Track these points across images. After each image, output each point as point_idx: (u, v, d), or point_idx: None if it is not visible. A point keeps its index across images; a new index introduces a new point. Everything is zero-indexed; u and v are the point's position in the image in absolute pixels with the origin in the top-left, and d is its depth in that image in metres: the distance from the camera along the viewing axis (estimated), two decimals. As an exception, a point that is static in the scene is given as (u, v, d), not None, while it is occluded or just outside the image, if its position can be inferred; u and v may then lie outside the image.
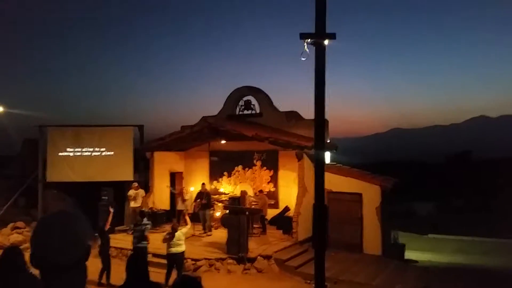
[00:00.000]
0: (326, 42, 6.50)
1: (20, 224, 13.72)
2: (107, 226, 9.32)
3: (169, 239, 8.58)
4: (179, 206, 13.27)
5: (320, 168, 6.59)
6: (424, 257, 15.01)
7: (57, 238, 1.46)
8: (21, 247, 12.27)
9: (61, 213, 1.58)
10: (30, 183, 15.11)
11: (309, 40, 6.49)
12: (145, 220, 9.16)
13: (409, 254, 13.82)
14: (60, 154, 14.88)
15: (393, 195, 12.53)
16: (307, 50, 6.50)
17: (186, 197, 13.41)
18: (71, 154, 14.97)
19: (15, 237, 12.95)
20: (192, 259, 10.12)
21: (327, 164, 12.43)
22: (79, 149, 15.02)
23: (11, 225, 13.52)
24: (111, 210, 9.88)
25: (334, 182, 11.74)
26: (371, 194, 11.89)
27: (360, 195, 12.04)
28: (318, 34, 6.44)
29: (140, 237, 8.94)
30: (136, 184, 13.54)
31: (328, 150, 12.84)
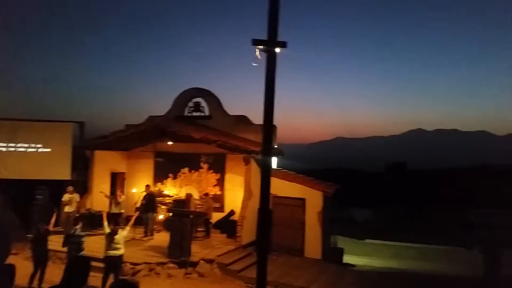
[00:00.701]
0: (277, 49, 6.62)
1: None
2: (51, 227, 8.80)
3: (107, 240, 8.25)
4: (113, 209, 12.74)
5: (266, 172, 6.67)
6: (362, 262, 15.67)
7: None
8: None
9: None
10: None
11: (261, 46, 6.58)
12: (78, 231, 8.59)
13: (347, 258, 14.35)
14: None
15: (334, 201, 12.97)
16: (259, 56, 6.59)
17: (120, 199, 12.91)
18: (4, 149, 13.92)
19: None
20: (131, 263, 9.80)
21: (273, 169, 12.63)
22: (13, 144, 14.01)
23: None
24: (55, 210, 9.38)
25: (279, 187, 11.94)
26: (313, 199, 12.24)
27: (303, 200, 12.35)
28: (270, 41, 6.55)
29: (73, 249, 8.41)
30: (71, 188, 12.83)
31: (275, 156, 13.05)
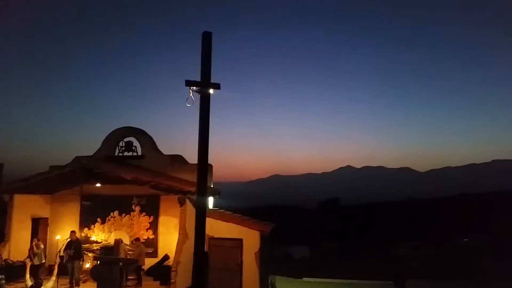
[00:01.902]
0: (211, 91, 6.71)
1: None
2: None
3: None
4: (33, 260, 11.57)
5: (202, 213, 6.54)
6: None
7: None
8: None
9: None
10: None
11: (194, 87, 6.63)
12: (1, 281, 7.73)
13: (285, 299, 14.24)
14: None
15: (272, 239, 12.97)
16: (193, 96, 6.62)
17: (37, 250, 11.77)
18: None
19: None
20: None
21: (209, 209, 12.40)
22: None
23: None
24: None
25: (216, 228, 11.71)
26: (251, 239, 12.13)
27: (240, 240, 12.18)
28: (203, 83, 6.64)
29: None
30: None
31: (210, 195, 12.85)
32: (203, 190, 6.67)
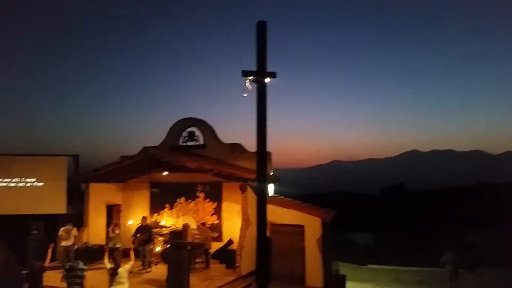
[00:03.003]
0: (267, 80, 6.75)
1: None
2: (47, 263, 8.65)
3: (110, 276, 8.09)
4: (110, 244, 12.57)
5: (262, 200, 6.65)
6: (364, 288, 15.39)
7: None
8: None
9: None
10: None
11: (250, 77, 6.71)
12: (80, 265, 8.47)
13: (350, 285, 14.09)
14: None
15: (333, 226, 12.85)
16: (250, 86, 6.71)
17: (112, 234, 12.70)
18: (-3, 185, 13.78)
19: None
20: (130, 298, 9.55)
21: (270, 196, 12.56)
22: (7, 180, 13.89)
23: None
24: (51, 246, 9.26)
25: (277, 214, 11.84)
26: (312, 225, 12.10)
27: (302, 227, 12.20)
28: (259, 72, 6.68)
29: (74, 283, 8.26)
30: (70, 226, 12.67)
31: (271, 182, 13.00)
32: (263, 177, 6.77)
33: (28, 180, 14.00)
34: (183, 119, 15.27)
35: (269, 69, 6.79)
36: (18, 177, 13.95)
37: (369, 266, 22.52)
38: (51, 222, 13.26)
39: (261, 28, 6.72)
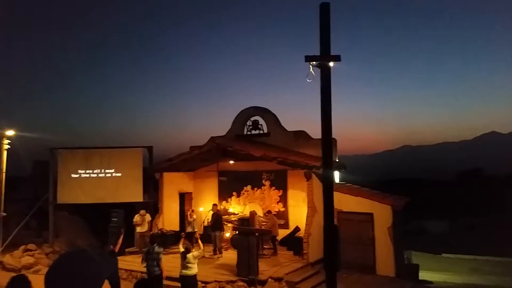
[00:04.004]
0: (331, 64, 6.59)
1: (31, 246, 13.78)
2: (117, 248, 9.31)
3: (181, 259, 8.56)
4: (187, 228, 13.35)
5: (328, 188, 6.57)
6: (439, 278, 14.68)
7: (69, 280, 1.48)
8: (32, 269, 12.36)
9: (75, 254, 1.61)
10: (41, 205, 15.22)
11: (314, 62, 6.59)
12: (156, 248, 9.04)
13: (423, 275, 13.52)
14: (71, 176, 15.02)
15: (405, 214, 12.37)
16: (313, 72, 6.61)
17: (190, 219, 13.42)
18: (81, 175, 15.10)
19: (26, 260, 12.99)
20: (202, 282, 10.01)
21: (336, 183, 12.38)
22: (89, 171, 15.15)
23: (22, 247, 13.58)
24: (122, 232, 9.95)
25: (344, 202, 11.65)
26: (382, 214, 11.75)
27: (371, 215, 11.89)
28: (323, 56, 6.54)
29: (152, 265, 8.85)
30: (143, 211, 13.55)
31: (336, 170, 12.80)
32: (328, 164, 6.67)
33: (108, 171, 15.17)
34: (247, 108, 15.51)
35: (333, 53, 6.64)
36: (99, 168, 15.16)
37: (444, 255, 21.43)
38: (130, 210, 14.32)
39: (324, 10, 6.56)
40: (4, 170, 13.28)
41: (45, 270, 12.31)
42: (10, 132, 13.27)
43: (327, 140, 6.52)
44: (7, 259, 12.87)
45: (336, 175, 12.99)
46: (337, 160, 13.66)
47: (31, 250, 13.61)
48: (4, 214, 13.15)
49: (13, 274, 10.51)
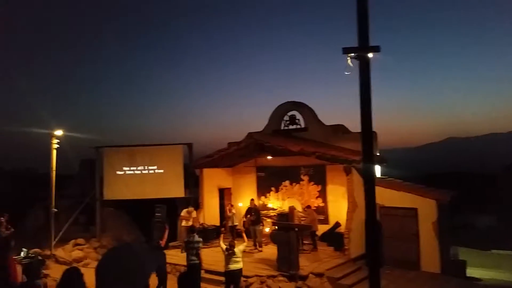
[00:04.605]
0: (370, 55, 6.42)
1: (80, 241, 14.48)
2: (163, 243, 9.60)
3: (227, 255, 8.67)
4: (227, 223, 13.58)
5: (370, 182, 6.42)
6: (488, 275, 14.01)
7: (119, 273, 1.53)
8: (82, 262, 12.96)
9: (125, 248, 1.66)
10: (89, 201, 15.94)
11: (352, 54, 6.45)
12: (195, 237, 9.30)
13: (471, 272, 12.96)
14: (116, 173, 15.62)
15: (451, 208, 11.89)
16: (351, 64, 6.46)
17: (229, 214, 13.64)
18: (126, 172, 15.66)
19: (76, 253, 13.68)
20: (244, 276, 10.10)
21: (378, 178, 12.09)
22: (133, 168, 15.67)
23: (72, 241, 14.30)
24: (167, 227, 10.25)
25: (386, 197, 11.36)
26: (426, 208, 11.35)
27: (415, 210, 11.52)
28: (361, 47, 6.37)
29: (192, 254, 9.10)
30: (191, 208, 13.88)
31: (377, 164, 12.49)
32: (369, 158, 6.52)
33: (150, 167, 15.64)
34: (284, 103, 15.43)
35: (372, 44, 6.46)
36: (142, 165, 15.66)
37: (493, 251, 20.42)
38: (172, 205, 14.71)
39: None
40: (54, 168, 13.99)
41: (93, 263, 13.02)
42: (59, 132, 13.93)
43: (368, 134, 6.37)
44: (59, 252, 13.60)
45: (377, 170, 12.68)
46: (378, 154, 13.33)
47: (80, 245, 14.31)
48: (56, 210, 13.88)
49: (65, 267, 11.09)
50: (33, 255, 10.73)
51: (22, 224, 14.82)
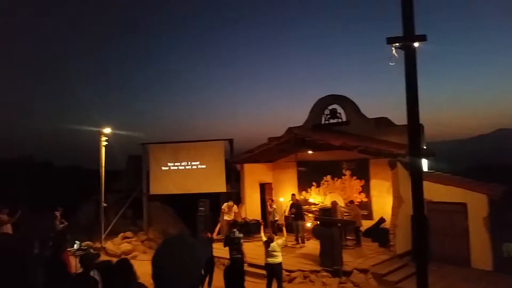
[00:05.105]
0: (416, 44, 6.20)
1: (128, 234, 15.09)
2: (214, 235, 9.84)
3: (265, 248, 8.74)
4: (268, 218, 13.66)
5: (417, 177, 6.23)
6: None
7: (175, 264, 1.58)
8: (130, 255, 13.50)
9: (179, 239, 1.71)
10: (136, 196, 16.56)
11: (397, 44, 6.25)
12: (236, 233, 9.37)
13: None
14: (161, 168, 16.11)
15: (503, 203, 11.27)
16: (396, 54, 6.27)
17: (270, 209, 13.68)
18: (170, 168, 16.11)
19: (125, 246, 14.27)
20: (286, 270, 10.12)
21: (425, 172, 11.67)
22: (177, 164, 16.10)
23: (121, 235, 14.93)
24: (219, 220, 10.50)
25: (434, 192, 10.94)
26: (477, 203, 10.84)
27: (464, 205, 11.03)
28: (407, 37, 6.17)
29: (233, 249, 9.21)
30: (231, 203, 14.09)
31: (424, 157, 12.06)
32: (416, 152, 6.32)
33: (193, 163, 16.00)
34: (325, 97, 15.21)
35: (417, 33, 6.23)
36: (185, 161, 16.04)
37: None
38: (214, 200, 14.99)
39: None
40: (103, 164, 14.64)
41: (141, 256, 13.52)
42: (107, 130, 14.55)
43: (414, 126, 6.18)
44: (109, 245, 14.24)
45: (424, 163, 12.25)
46: (425, 147, 12.86)
47: (128, 238, 14.91)
48: (105, 204, 14.53)
49: (114, 259, 11.59)
50: (85, 247, 11.35)
51: (74, 218, 15.67)
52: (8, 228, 9.98)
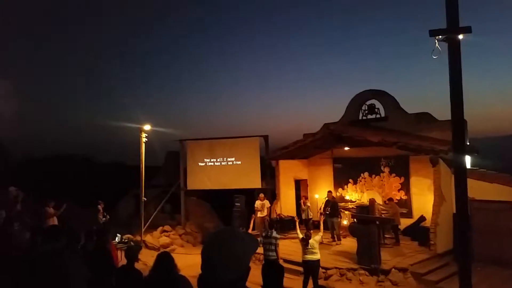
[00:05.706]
0: (460, 36, 5.97)
1: (167, 227, 15.52)
2: (249, 231, 9.94)
3: (302, 245, 8.69)
4: (302, 215, 13.55)
5: (461, 174, 6.01)
6: None
7: (225, 255, 1.61)
8: (169, 248, 13.87)
9: (228, 232, 1.74)
10: (174, 191, 16.98)
11: (440, 36, 6.05)
12: (274, 233, 9.27)
13: None
14: (198, 164, 16.43)
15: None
16: (439, 47, 6.07)
17: (304, 207, 13.56)
18: (207, 164, 16.39)
19: (164, 239, 14.69)
20: (323, 267, 10.05)
21: (468, 169, 11.22)
22: (213, 160, 16.35)
23: (160, 228, 15.37)
24: (253, 216, 10.60)
25: (477, 189, 10.48)
26: (524, 202, 10.30)
27: (510, 203, 10.52)
28: (451, 29, 5.95)
29: (269, 250, 9.16)
30: (262, 195, 14.13)
31: (468, 154, 11.58)
32: (460, 148, 6.09)
33: (229, 159, 16.19)
34: (362, 92, 14.92)
35: (462, 24, 6.00)
36: (221, 157, 16.27)
37: None
38: (250, 196, 15.10)
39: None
40: (143, 160, 15.11)
41: (179, 249, 13.85)
42: (147, 127, 14.99)
43: (458, 121, 5.97)
44: (148, 238, 14.70)
45: (467, 160, 11.77)
46: (468, 144, 12.35)
47: (167, 231, 15.33)
48: (145, 199, 15.01)
49: (154, 252, 11.92)
50: (126, 240, 11.77)
51: (115, 212, 16.28)
52: (54, 221, 10.50)
